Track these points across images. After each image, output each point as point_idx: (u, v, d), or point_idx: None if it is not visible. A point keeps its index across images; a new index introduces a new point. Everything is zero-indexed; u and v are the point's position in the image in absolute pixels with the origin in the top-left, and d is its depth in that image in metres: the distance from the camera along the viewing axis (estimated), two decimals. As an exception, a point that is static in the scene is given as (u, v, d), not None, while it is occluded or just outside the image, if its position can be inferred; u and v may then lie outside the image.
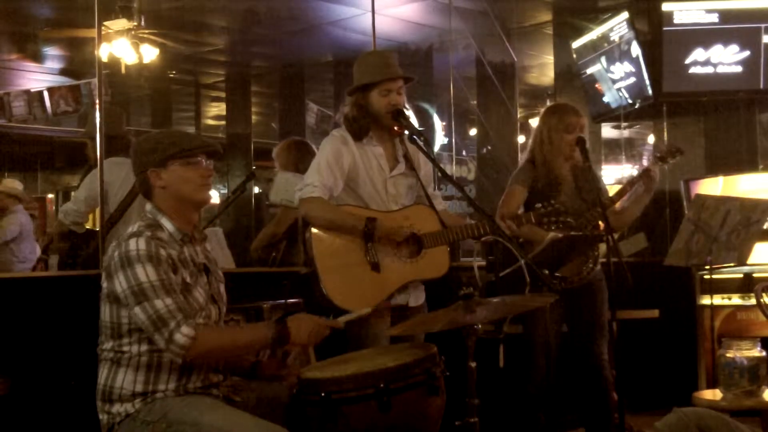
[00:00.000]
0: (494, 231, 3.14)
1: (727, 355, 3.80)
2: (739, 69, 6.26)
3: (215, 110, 14.20)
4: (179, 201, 2.51)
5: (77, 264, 4.34)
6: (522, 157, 4.21)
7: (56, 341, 3.38)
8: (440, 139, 10.47)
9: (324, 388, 2.36)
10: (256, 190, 12.38)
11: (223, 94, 12.77)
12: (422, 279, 3.29)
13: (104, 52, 8.19)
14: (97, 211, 4.59)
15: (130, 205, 4.16)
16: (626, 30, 6.74)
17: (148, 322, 2.31)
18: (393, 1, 8.20)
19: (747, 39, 6.23)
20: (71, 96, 10.05)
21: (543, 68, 10.70)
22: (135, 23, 8.48)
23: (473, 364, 2.50)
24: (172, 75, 11.83)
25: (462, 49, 8.78)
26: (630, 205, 3.95)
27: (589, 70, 7.31)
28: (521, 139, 9.78)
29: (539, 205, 3.33)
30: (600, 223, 3.74)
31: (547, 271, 3.52)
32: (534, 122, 11.51)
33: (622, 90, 6.93)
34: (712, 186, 5.64)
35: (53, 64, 11.14)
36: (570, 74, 7.82)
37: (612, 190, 4.22)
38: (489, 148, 9.40)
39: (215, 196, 13.09)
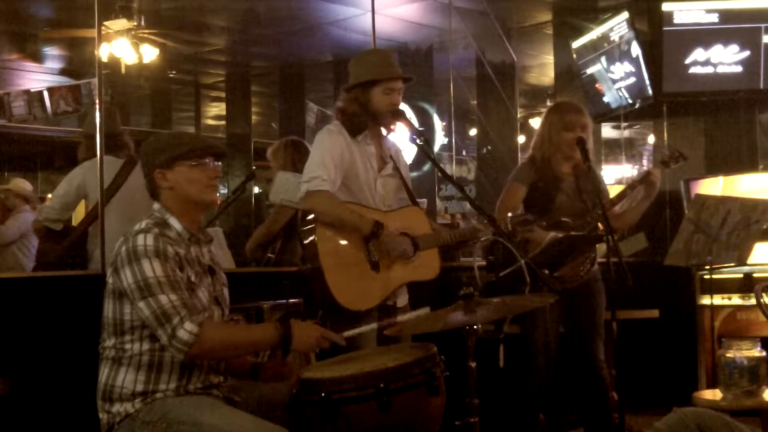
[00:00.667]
0: (495, 231, 3.15)
1: (727, 355, 3.79)
2: (739, 69, 6.26)
3: (215, 110, 14.20)
4: (186, 202, 2.52)
5: (75, 264, 4.33)
6: (524, 156, 4.21)
7: (56, 341, 3.38)
8: (440, 139, 10.48)
9: (324, 388, 2.35)
10: (256, 190, 12.39)
11: (223, 94, 12.78)
12: (417, 280, 3.31)
13: (104, 52, 8.20)
14: (79, 208, 4.60)
15: (104, 206, 4.14)
16: (626, 30, 6.74)
17: (152, 317, 2.31)
18: (393, 1, 8.20)
19: (747, 39, 6.23)
20: (71, 96, 10.04)
21: (543, 68, 10.71)
22: (135, 23, 8.49)
23: (473, 364, 2.49)
24: (172, 75, 11.83)
25: (462, 49, 8.79)
26: (628, 209, 3.95)
27: (589, 70, 7.31)
28: (521, 139, 9.79)
29: (511, 215, 3.36)
30: (600, 225, 3.75)
31: (547, 271, 3.52)
32: (534, 122, 11.57)
33: (622, 90, 6.93)
34: (712, 186, 5.63)
35: (53, 64, 11.15)
36: (570, 74, 7.82)
37: (612, 191, 4.22)
38: (489, 148, 9.41)
39: (215, 197, 13.07)
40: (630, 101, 6.89)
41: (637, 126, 11.17)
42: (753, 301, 4.29)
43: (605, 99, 7.21)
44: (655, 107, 6.79)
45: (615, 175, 10.20)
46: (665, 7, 6.33)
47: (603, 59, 7.08)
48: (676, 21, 6.32)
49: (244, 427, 2.26)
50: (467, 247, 3.48)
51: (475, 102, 9.61)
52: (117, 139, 4.37)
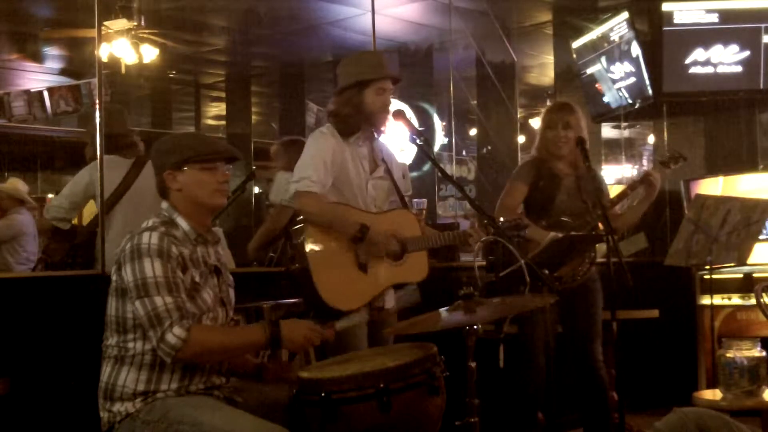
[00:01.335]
0: (495, 231, 3.15)
1: (727, 355, 3.79)
2: (739, 69, 6.26)
3: (215, 110, 14.20)
4: (194, 204, 2.52)
5: (76, 264, 4.33)
6: (524, 156, 4.24)
7: (56, 341, 3.38)
8: (440, 139, 10.47)
9: (324, 388, 2.35)
10: (256, 190, 12.38)
11: (223, 94, 12.78)
12: (405, 282, 3.33)
13: (104, 52, 8.20)
14: (86, 209, 4.60)
15: (115, 205, 4.14)
16: (626, 30, 6.74)
17: (145, 318, 2.32)
18: (393, 1, 8.20)
19: (747, 39, 6.23)
20: (71, 96, 10.03)
21: (543, 68, 10.71)
22: (135, 23, 8.49)
23: (473, 364, 2.50)
24: (172, 75, 11.83)
25: (462, 49, 8.78)
26: (628, 210, 3.96)
27: (589, 70, 7.31)
28: (521, 139, 9.79)
29: (503, 219, 3.37)
30: (600, 225, 3.75)
31: (547, 271, 3.52)
32: (534, 122, 11.57)
33: (622, 90, 6.93)
34: (712, 186, 5.64)
35: (53, 64, 11.15)
36: (570, 74, 7.81)
37: (612, 191, 4.22)
38: (489, 148, 9.40)
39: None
40: (630, 101, 6.88)
41: (637, 126, 11.17)
42: (753, 301, 4.30)
43: (605, 99, 7.21)
44: (655, 107, 6.79)
45: (615, 175, 10.20)
46: (665, 7, 6.33)
47: (603, 59, 7.08)
48: (676, 21, 6.32)
49: (244, 427, 2.26)
50: (466, 248, 3.48)
51: (475, 102, 9.61)
52: (125, 139, 4.36)
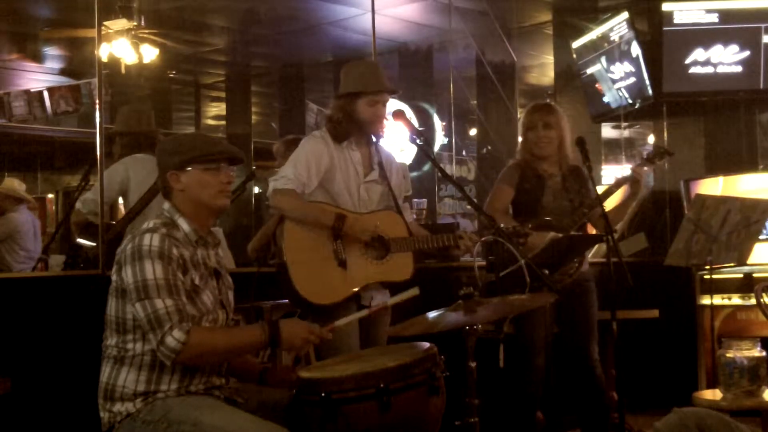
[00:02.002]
0: (496, 231, 3.16)
1: (727, 355, 3.79)
2: (739, 69, 6.26)
3: (215, 110, 14.20)
4: (197, 205, 2.52)
5: (76, 264, 4.32)
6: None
7: (56, 341, 3.39)
8: (440, 139, 10.48)
9: (324, 388, 2.36)
10: (256, 190, 12.38)
11: (223, 94, 12.78)
12: (386, 281, 3.34)
13: (104, 52, 8.20)
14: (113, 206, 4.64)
15: (148, 203, 4.14)
16: (626, 30, 6.74)
17: (145, 320, 2.32)
18: (393, 1, 8.21)
19: (747, 39, 6.23)
20: (71, 96, 10.04)
21: (543, 68, 10.71)
22: (135, 23, 8.50)
23: (473, 364, 2.50)
24: (172, 75, 11.84)
25: (462, 49, 8.80)
26: (614, 208, 3.94)
27: (589, 70, 7.31)
28: (521, 139, 9.76)
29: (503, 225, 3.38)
30: (587, 224, 3.76)
31: (546, 271, 3.53)
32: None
33: (622, 90, 6.93)
34: (712, 186, 5.63)
35: (53, 64, 11.15)
36: (570, 74, 7.82)
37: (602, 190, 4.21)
38: (489, 148, 9.41)
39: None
40: (630, 101, 6.89)
41: (637, 126, 11.17)
42: (753, 301, 4.30)
43: (605, 99, 7.21)
44: (655, 107, 6.80)
45: (615, 175, 10.19)
46: (665, 7, 6.33)
47: (603, 59, 7.09)
48: (676, 21, 6.32)
49: (244, 427, 2.27)
50: (459, 252, 3.48)
51: (475, 102, 9.61)
52: (153, 138, 4.41)
